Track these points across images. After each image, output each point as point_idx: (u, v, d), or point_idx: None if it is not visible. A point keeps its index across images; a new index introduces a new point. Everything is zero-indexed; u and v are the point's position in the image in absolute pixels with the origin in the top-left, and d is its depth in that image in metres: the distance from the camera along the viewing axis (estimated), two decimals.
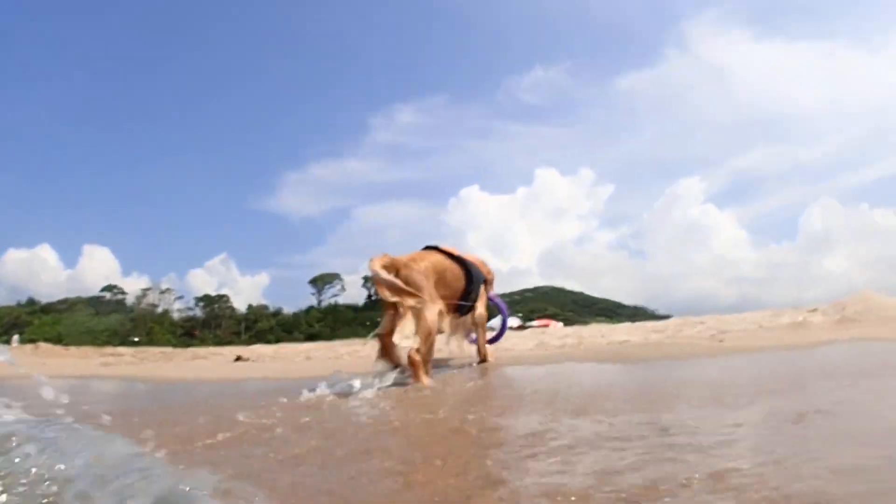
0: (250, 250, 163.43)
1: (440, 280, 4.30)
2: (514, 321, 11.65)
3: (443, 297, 4.28)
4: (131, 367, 10.10)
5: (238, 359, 9.61)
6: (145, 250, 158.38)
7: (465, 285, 4.51)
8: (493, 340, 5.20)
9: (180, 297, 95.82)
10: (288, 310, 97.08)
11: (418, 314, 4.00)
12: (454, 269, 4.49)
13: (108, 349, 17.62)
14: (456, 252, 4.64)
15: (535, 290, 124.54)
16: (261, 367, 7.86)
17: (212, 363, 9.75)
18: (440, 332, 4.34)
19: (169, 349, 17.51)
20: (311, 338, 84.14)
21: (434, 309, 4.10)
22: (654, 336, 7.82)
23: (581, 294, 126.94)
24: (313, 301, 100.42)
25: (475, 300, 4.70)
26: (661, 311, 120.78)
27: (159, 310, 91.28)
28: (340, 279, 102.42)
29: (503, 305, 5.11)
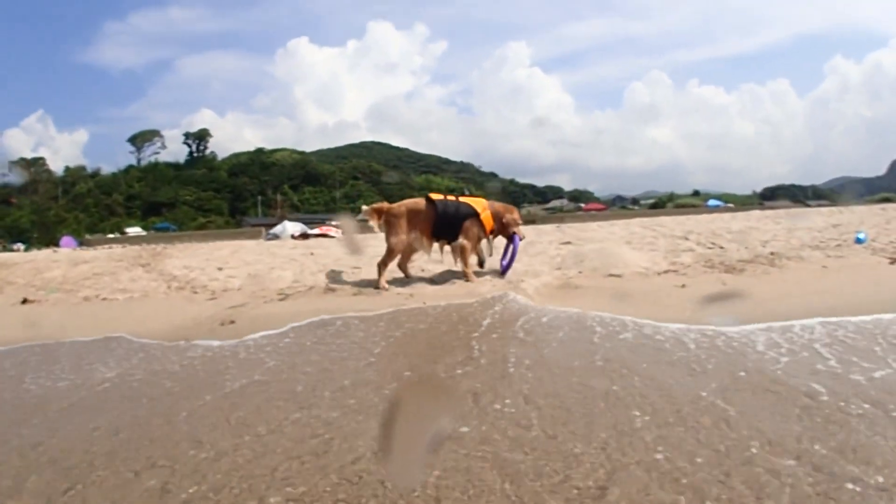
0: (68, 106, 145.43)
1: (411, 218, 5.70)
2: (296, 228, 11.45)
3: (418, 230, 5.70)
4: None
5: (25, 301, 6.17)
6: None
7: (433, 222, 5.66)
8: (504, 269, 5.59)
9: None
10: (107, 169, 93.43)
11: (386, 239, 5.73)
12: (426, 211, 5.70)
13: None
14: (438, 197, 5.88)
15: (361, 144, 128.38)
16: (61, 317, 5.25)
17: None
18: (415, 250, 5.90)
19: None
20: (131, 199, 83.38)
21: (396, 237, 5.66)
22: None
23: (407, 150, 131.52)
24: (133, 160, 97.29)
25: (456, 233, 5.64)
26: (486, 168, 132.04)
27: None
28: (161, 136, 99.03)
29: (517, 243, 5.61)
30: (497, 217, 5.77)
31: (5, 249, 35.40)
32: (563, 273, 5.60)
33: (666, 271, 5.53)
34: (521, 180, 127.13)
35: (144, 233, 55.16)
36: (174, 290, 5.97)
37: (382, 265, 5.65)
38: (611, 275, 5.42)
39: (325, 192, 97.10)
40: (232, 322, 4.53)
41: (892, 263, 5.53)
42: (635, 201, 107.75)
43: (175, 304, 5.35)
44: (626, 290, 4.87)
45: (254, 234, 44.51)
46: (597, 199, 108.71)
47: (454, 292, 5.04)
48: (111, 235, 51.20)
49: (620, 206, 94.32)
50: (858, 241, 6.57)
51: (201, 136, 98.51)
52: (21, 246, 39.42)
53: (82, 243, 43.16)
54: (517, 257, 5.76)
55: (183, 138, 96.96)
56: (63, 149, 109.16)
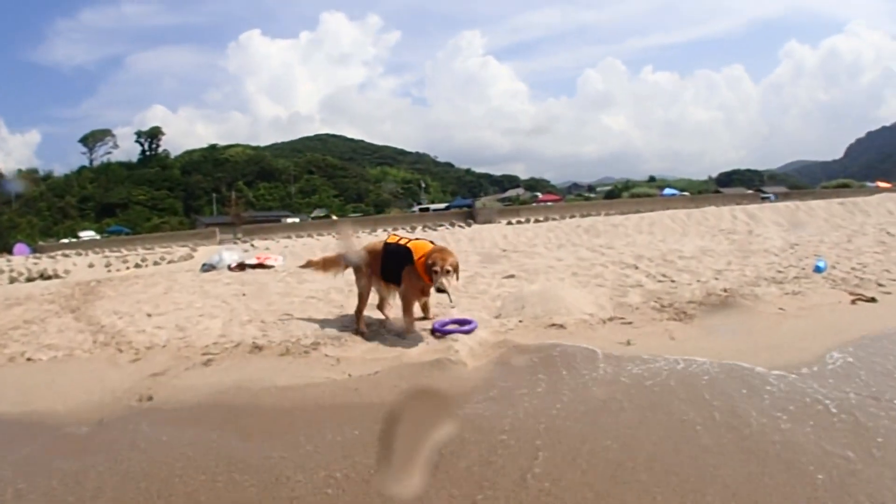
0: (19, 106, 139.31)
1: (371, 262, 5.68)
2: (233, 257, 10.25)
3: (375, 274, 5.65)
4: None
5: None
6: None
7: (381, 264, 5.56)
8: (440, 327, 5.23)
9: None
10: (60, 171, 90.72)
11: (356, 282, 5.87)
12: (379, 253, 5.64)
13: None
14: (395, 240, 5.66)
15: (316, 137, 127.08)
16: None
17: None
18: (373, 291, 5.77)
19: None
20: (84, 201, 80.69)
21: (359, 281, 5.79)
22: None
23: (362, 142, 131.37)
24: (85, 160, 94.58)
25: (400, 277, 5.38)
26: (442, 159, 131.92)
27: None
28: (112, 135, 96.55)
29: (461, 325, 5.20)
30: (427, 266, 5.16)
31: None
32: (503, 324, 5.44)
33: (612, 318, 5.43)
34: (478, 170, 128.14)
35: (98, 237, 53.79)
36: (99, 345, 5.77)
37: (358, 312, 5.67)
38: (553, 324, 5.29)
39: (280, 188, 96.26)
40: (150, 399, 4.46)
41: (853, 303, 5.46)
42: (591, 188, 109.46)
43: (97, 369, 5.16)
44: (567, 353, 4.54)
45: (208, 234, 44.23)
46: (553, 188, 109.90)
47: (383, 355, 4.89)
48: (65, 241, 49.78)
49: (576, 193, 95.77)
50: (818, 269, 6.56)
51: (154, 135, 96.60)
52: None
53: (35, 250, 41.77)
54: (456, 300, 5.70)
55: (135, 137, 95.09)
56: (15, 150, 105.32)
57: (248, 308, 6.75)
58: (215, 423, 3.89)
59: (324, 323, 5.95)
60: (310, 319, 6.10)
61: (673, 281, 6.69)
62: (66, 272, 19.31)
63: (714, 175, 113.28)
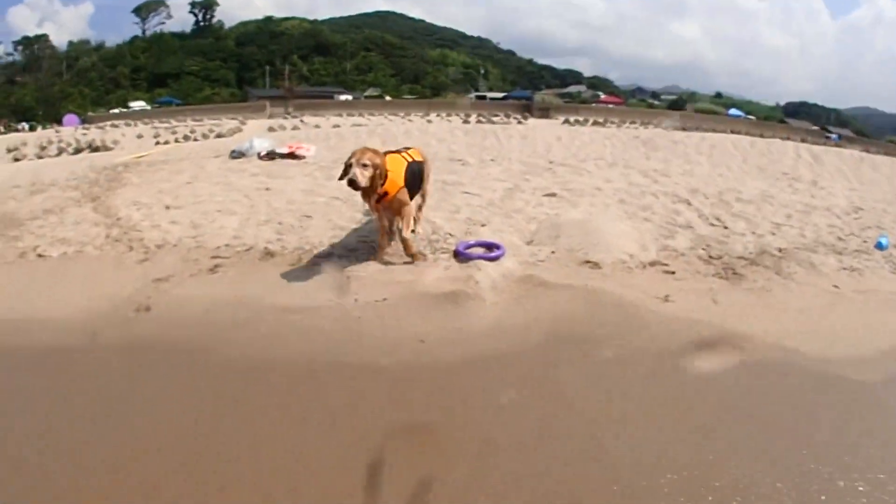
0: None
1: None
2: (264, 145, 9.39)
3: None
4: None
5: None
6: None
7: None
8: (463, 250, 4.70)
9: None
10: (112, 42, 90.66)
11: None
12: None
13: None
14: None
15: (375, 14, 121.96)
16: None
17: None
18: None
19: None
20: (136, 71, 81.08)
21: None
22: None
23: (423, 22, 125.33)
24: (138, 31, 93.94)
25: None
26: (504, 46, 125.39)
27: None
28: (166, 6, 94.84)
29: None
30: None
31: (10, 130, 35.04)
32: (533, 253, 4.89)
33: (653, 263, 4.82)
34: (540, 61, 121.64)
35: (148, 107, 54.29)
36: (111, 241, 5.52)
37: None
38: (588, 262, 4.73)
39: (335, 64, 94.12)
40: (147, 310, 4.20)
41: None
42: (655, 95, 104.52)
43: (103, 270, 4.96)
44: (598, 298, 4.08)
45: (259, 107, 43.90)
46: (616, 89, 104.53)
47: (397, 277, 4.39)
48: (115, 111, 50.40)
49: (640, 98, 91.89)
50: (879, 246, 5.60)
51: (208, 5, 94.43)
52: (25, 126, 38.99)
53: (85, 120, 42.56)
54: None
55: (189, 7, 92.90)
56: (69, 23, 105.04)
57: (268, 206, 6.38)
58: (206, 346, 3.63)
59: (343, 230, 5.51)
60: (330, 224, 5.66)
61: (726, 227, 5.92)
62: (115, 143, 19.21)
63: (781, 103, 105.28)
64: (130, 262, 5.09)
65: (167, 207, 6.48)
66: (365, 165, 4.22)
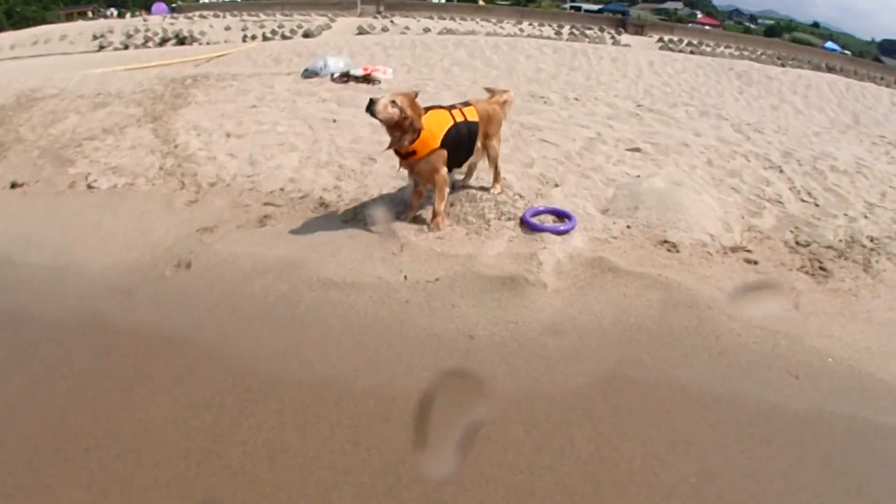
0: None
1: None
2: (339, 65, 8.79)
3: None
4: None
5: (14, 186, 5.35)
6: None
7: None
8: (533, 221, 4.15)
9: None
10: None
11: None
12: None
13: None
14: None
15: None
16: (35, 216, 4.68)
17: None
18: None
19: None
20: None
21: None
22: None
23: None
24: None
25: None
26: None
27: None
28: None
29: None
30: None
31: (99, 15, 35.64)
32: (606, 227, 4.28)
33: (735, 248, 4.13)
34: None
35: None
36: (164, 174, 5.27)
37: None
38: (665, 241, 4.11)
39: None
40: (188, 266, 3.91)
41: None
42: (753, 18, 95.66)
43: (150, 211, 4.68)
44: (671, 296, 3.50)
45: (349, 4, 42.40)
46: (714, 10, 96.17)
47: (454, 250, 3.90)
48: (204, 0, 49.99)
49: (737, 21, 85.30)
50: None
51: None
52: (114, 11, 39.51)
53: (174, 9, 42.68)
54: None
55: None
56: None
57: (331, 142, 5.90)
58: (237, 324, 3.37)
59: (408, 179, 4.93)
60: (395, 171, 5.02)
61: (817, 205, 4.94)
62: (202, 34, 18.99)
63: (878, 39, 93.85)
64: (179, 203, 4.84)
65: (227, 135, 6.14)
66: (393, 102, 3.73)
